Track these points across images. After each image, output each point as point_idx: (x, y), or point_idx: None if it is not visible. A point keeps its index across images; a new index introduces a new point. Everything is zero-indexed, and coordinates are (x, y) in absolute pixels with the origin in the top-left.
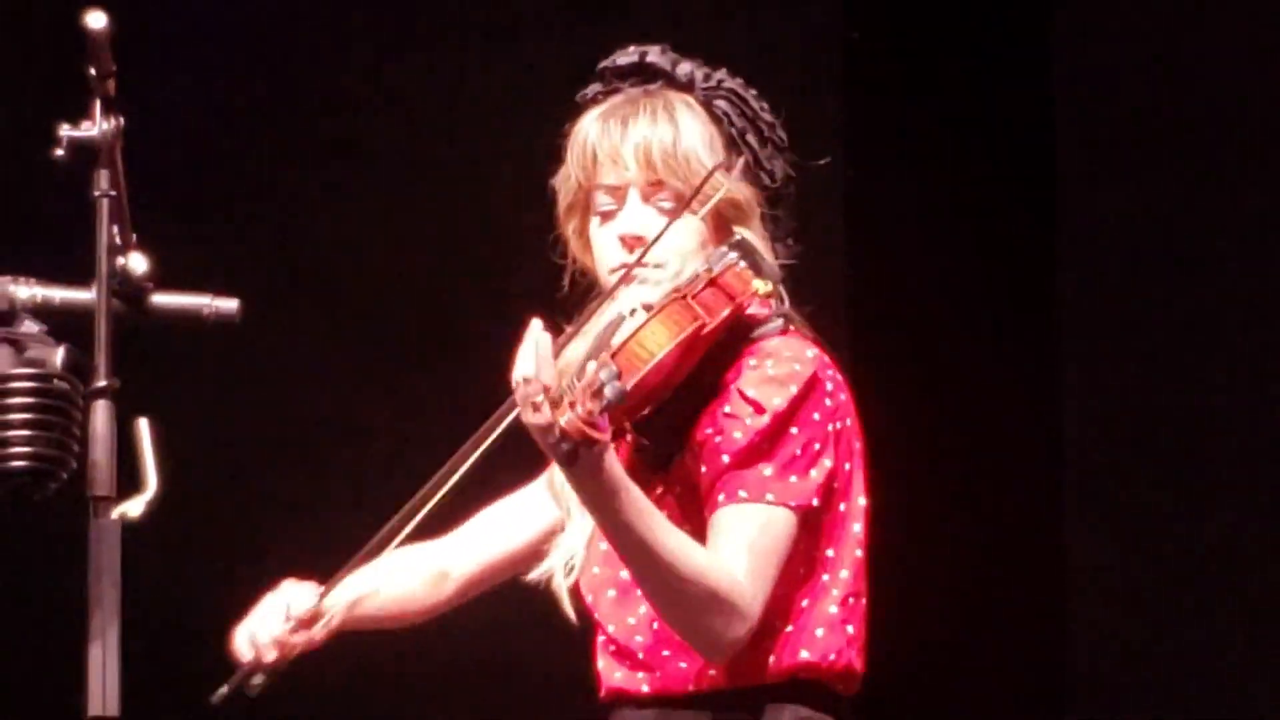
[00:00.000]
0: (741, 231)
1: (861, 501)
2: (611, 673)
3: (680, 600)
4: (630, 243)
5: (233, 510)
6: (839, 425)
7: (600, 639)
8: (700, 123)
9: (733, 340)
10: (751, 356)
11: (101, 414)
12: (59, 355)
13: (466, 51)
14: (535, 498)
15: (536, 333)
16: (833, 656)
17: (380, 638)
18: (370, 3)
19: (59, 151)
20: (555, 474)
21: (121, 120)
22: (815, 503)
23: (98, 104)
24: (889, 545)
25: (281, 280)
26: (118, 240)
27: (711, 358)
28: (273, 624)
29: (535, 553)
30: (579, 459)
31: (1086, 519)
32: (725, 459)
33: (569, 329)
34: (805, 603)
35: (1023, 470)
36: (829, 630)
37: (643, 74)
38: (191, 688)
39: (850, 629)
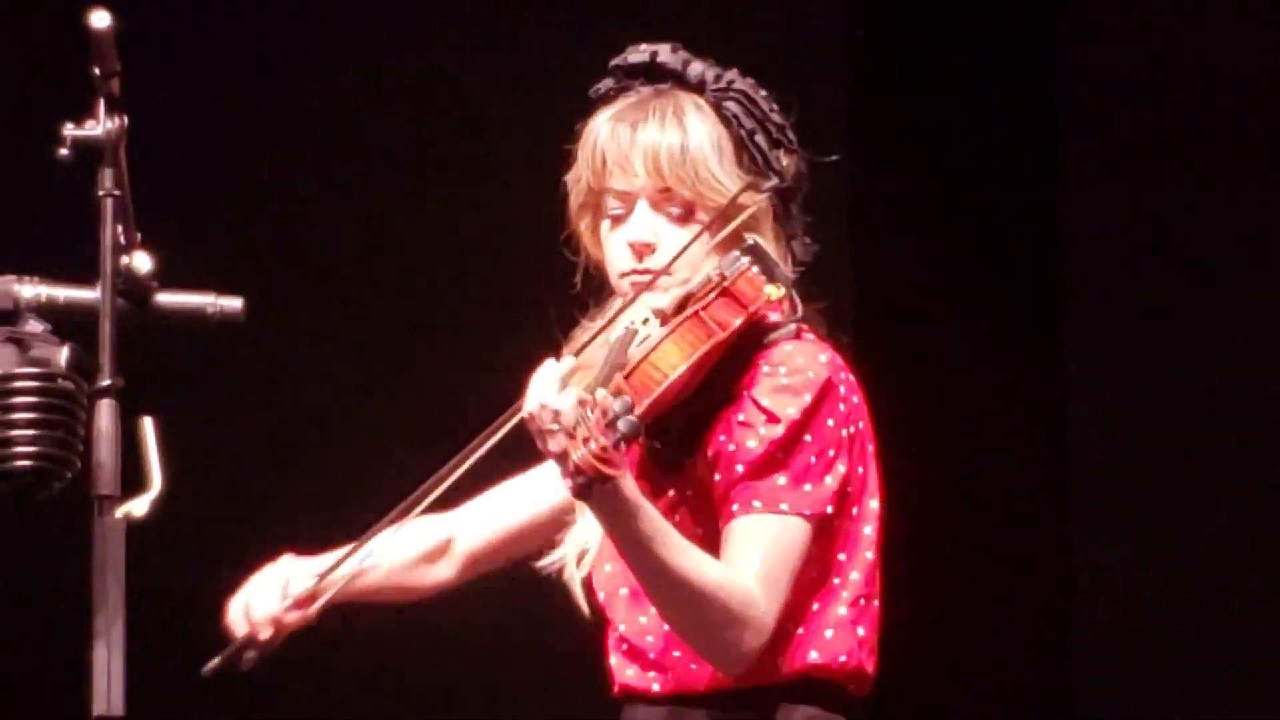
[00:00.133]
0: (752, 236)
1: (873, 504)
2: (623, 670)
3: (695, 617)
4: (640, 249)
5: (237, 509)
6: (852, 429)
7: (612, 635)
8: (710, 126)
9: (746, 346)
10: (765, 363)
11: (106, 413)
12: (63, 354)
13: (470, 50)
14: (545, 477)
15: (549, 363)
16: (843, 658)
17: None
18: (373, 1)
19: (63, 151)
20: None
21: (125, 119)
22: (829, 510)
23: (102, 103)
24: (891, 546)
25: (286, 279)
26: (122, 239)
27: (725, 364)
28: (269, 601)
29: (542, 532)
30: (593, 492)
31: (1090, 521)
32: (739, 468)
33: (585, 332)
34: (816, 605)
35: (1026, 472)
36: (839, 631)
37: (653, 73)
38: (196, 687)
39: (861, 630)
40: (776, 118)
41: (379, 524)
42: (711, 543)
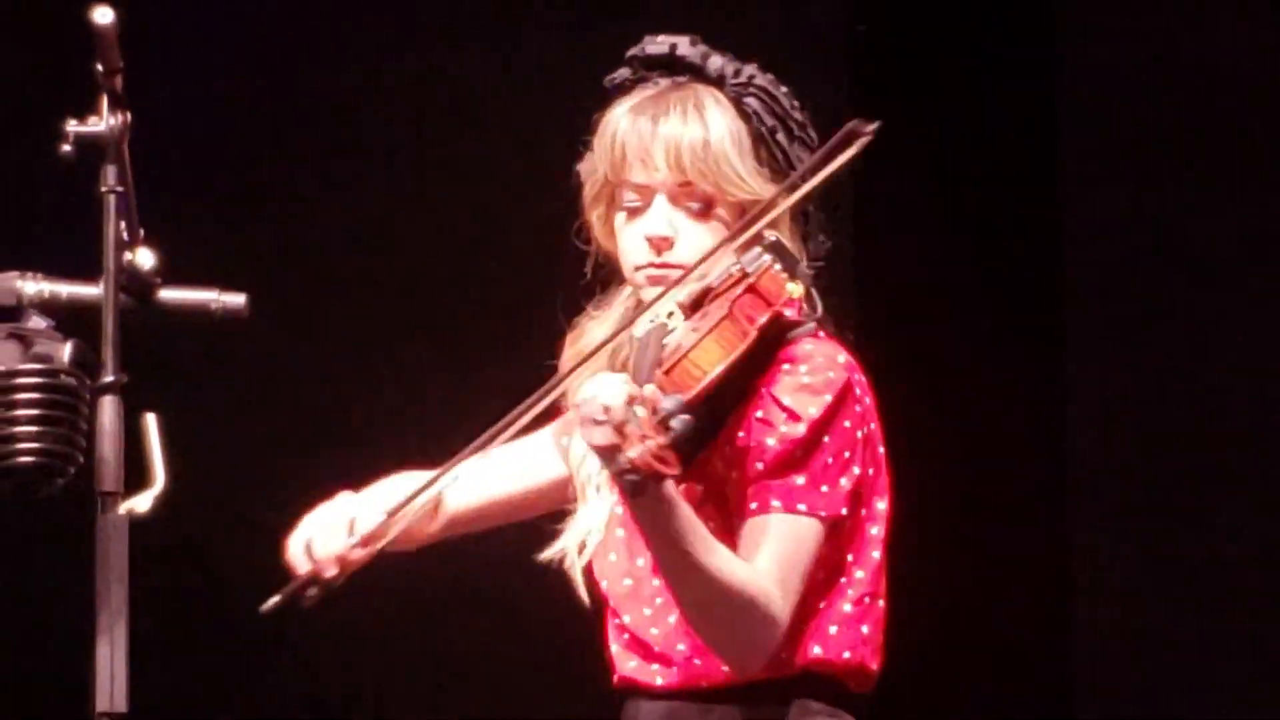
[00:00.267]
0: (773, 233)
1: (881, 506)
2: (625, 662)
3: (719, 615)
4: (657, 244)
5: (240, 506)
6: (865, 431)
7: (613, 623)
8: (729, 120)
9: (766, 343)
10: (785, 360)
11: (109, 409)
12: (66, 350)
13: (472, 47)
14: (541, 450)
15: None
16: (846, 654)
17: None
18: (375, 0)
19: (66, 147)
20: (573, 447)
21: (128, 116)
22: (844, 512)
23: (105, 99)
24: (892, 545)
25: (289, 276)
26: (125, 236)
27: (745, 360)
28: (335, 539)
29: (530, 507)
30: (645, 491)
31: (1090, 521)
32: (759, 466)
33: (593, 322)
34: (822, 603)
35: (1027, 472)
36: (843, 628)
37: (672, 66)
38: (199, 684)
39: (865, 628)
40: (797, 115)
41: (447, 463)
42: (721, 538)
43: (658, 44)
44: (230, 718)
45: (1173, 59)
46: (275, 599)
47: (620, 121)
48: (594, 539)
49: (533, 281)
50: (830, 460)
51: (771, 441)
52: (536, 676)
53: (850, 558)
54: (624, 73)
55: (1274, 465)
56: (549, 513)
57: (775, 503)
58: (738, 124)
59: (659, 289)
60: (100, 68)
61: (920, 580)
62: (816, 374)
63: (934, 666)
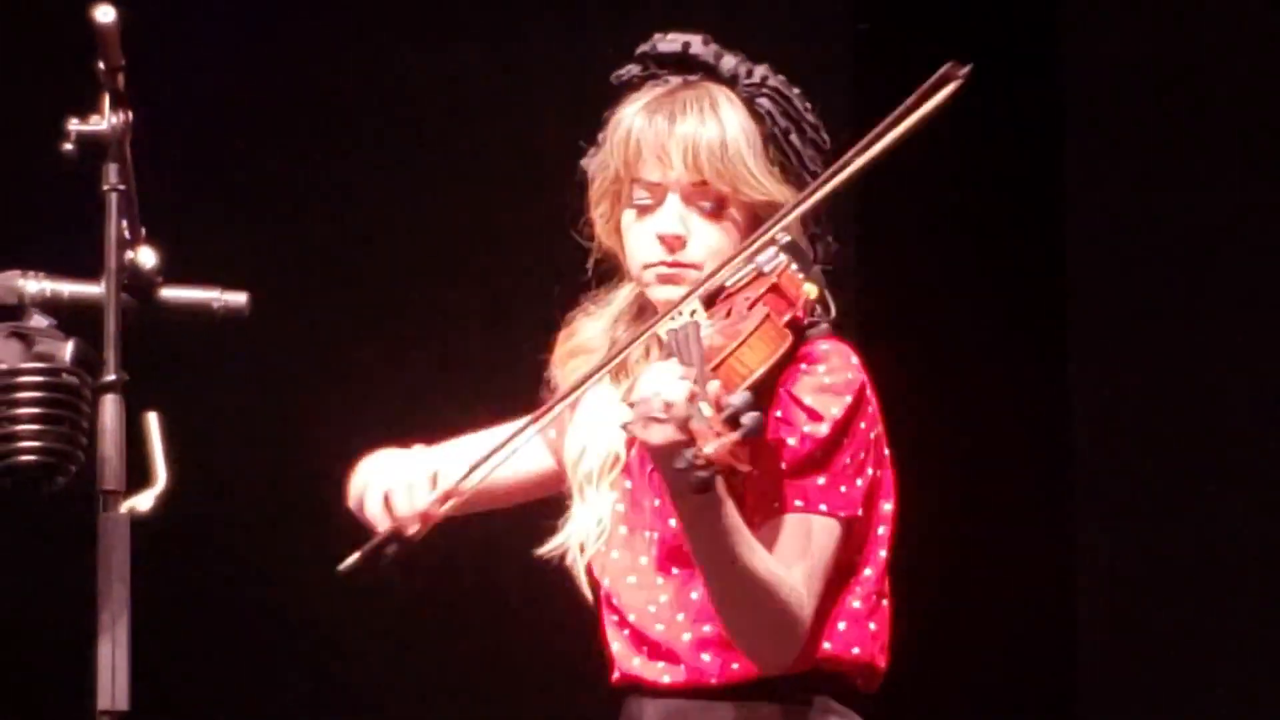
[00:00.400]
0: (786, 234)
1: (887, 506)
2: (628, 660)
3: (756, 613)
4: (670, 242)
5: (242, 504)
6: (876, 432)
7: (612, 619)
8: (743, 121)
9: (791, 344)
10: (802, 360)
11: (110, 408)
12: (68, 349)
13: (475, 45)
14: (528, 443)
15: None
16: (856, 649)
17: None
18: None
19: (68, 146)
20: (567, 444)
21: (130, 114)
22: (860, 513)
23: (106, 98)
24: (896, 545)
25: (291, 274)
26: (127, 234)
27: (782, 360)
28: (418, 493)
29: (514, 495)
30: (712, 487)
31: (1094, 520)
32: (781, 465)
33: (589, 318)
34: (833, 601)
35: (1030, 472)
36: (851, 624)
37: (684, 64)
38: (200, 683)
39: (872, 625)
40: (811, 117)
41: (526, 423)
42: None
43: (669, 42)
44: (232, 717)
45: (1175, 59)
46: (354, 558)
47: (635, 118)
48: (594, 536)
49: (536, 279)
50: (848, 461)
51: (793, 441)
52: (536, 674)
53: (859, 557)
54: (633, 69)
55: (1275, 464)
56: (529, 500)
57: (797, 502)
58: (750, 124)
59: (668, 287)
60: (102, 66)
61: (923, 580)
62: (836, 374)
63: (936, 665)
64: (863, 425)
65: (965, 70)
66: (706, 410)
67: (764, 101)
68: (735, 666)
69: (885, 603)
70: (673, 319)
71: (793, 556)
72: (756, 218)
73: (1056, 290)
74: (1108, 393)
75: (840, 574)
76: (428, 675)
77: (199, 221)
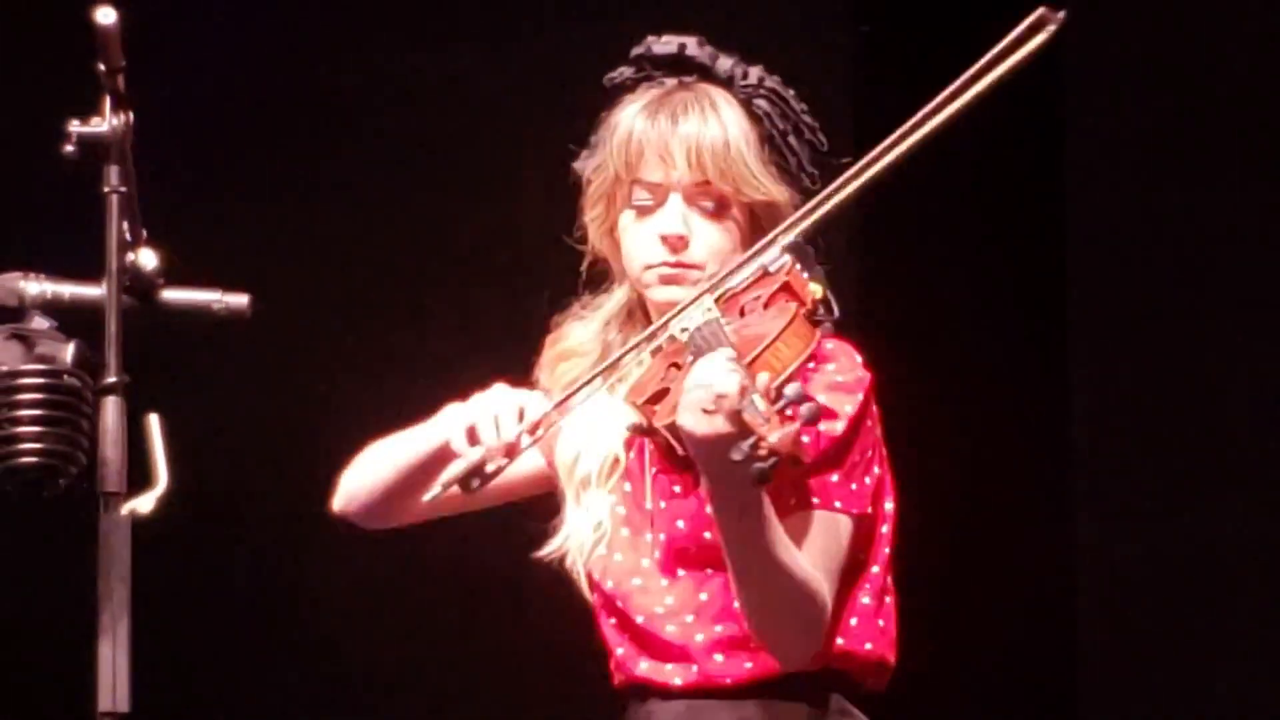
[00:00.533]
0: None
1: (889, 505)
2: (635, 663)
3: (784, 610)
4: (673, 243)
5: (243, 506)
6: (879, 430)
7: (614, 622)
8: (742, 121)
9: None
10: (811, 359)
11: (111, 410)
12: (69, 351)
13: (475, 45)
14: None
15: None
16: (868, 645)
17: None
18: None
19: (69, 147)
20: (560, 448)
21: (131, 115)
22: (869, 510)
23: (107, 99)
24: (896, 544)
25: (292, 276)
26: (128, 236)
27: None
28: (506, 425)
29: (502, 495)
30: (772, 479)
31: (1095, 520)
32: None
33: (579, 321)
34: (842, 598)
35: (1031, 472)
36: (862, 620)
37: (680, 65)
38: (201, 683)
39: (881, 621)
40: (808, 119)
41: (626, 349)
42: None
43: (664, 44)
44: (232, 718)
45: (1175, 59)
46: (434, 489)
47: (635, 120)
48: (594, 539)
49: (538, 278)
50: (859, 458)
51: (807, 439)
52: (538, 675)
53: (866, 554)
54: (626, 71)
55: (1275, 464)
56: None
57: (815, 499)
58: (748, 124)
59: (670, 288)
60: (103, 67)
61: (923, 579)
62: (846, 372)
63: (936, 665)
64: (869, 423)
65: (1060, 15)
66: (760, 403)
67: (761, 103)
68: (748, 666)
69: (889, 599)
70: (687, 317)
71: (812, 553)
72: (756, 218)
73: (1056, 290)
74: (1108, 393)
75: (850, 571)
76: (428, 675)
77: (200, 223)
